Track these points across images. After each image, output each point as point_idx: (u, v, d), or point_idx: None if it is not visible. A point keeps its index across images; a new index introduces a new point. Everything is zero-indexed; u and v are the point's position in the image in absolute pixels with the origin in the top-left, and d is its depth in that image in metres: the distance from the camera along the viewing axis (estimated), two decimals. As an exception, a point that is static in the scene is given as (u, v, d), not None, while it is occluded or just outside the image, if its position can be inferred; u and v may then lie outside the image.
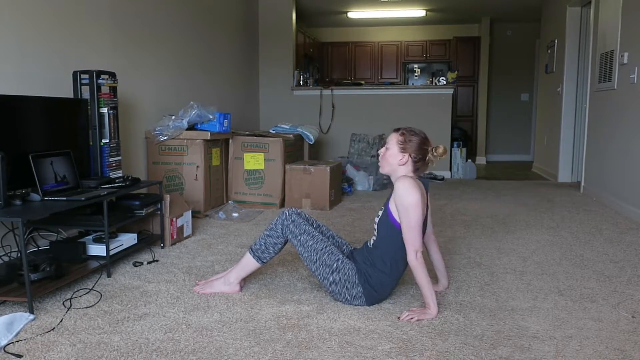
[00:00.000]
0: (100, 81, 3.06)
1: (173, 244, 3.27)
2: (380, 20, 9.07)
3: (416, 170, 2.24)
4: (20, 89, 2.89)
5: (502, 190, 5.61)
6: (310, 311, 2.19)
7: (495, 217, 4.17)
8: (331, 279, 2.23)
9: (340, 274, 2.22)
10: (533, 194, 5.30)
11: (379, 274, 2.21)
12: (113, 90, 3.16)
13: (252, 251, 2.39)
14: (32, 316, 2.12)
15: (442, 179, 6.41)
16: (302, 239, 2.28)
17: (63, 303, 2.29)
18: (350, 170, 5.65)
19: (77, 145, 2.94)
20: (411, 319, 2.10)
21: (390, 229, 2.19)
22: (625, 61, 4.34)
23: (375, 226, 2.27)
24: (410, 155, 2.21)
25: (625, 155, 4.35)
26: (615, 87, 4.57)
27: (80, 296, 2.38)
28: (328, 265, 2.23)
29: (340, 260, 2.23)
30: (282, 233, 2.34)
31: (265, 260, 2.38)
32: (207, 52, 5.35)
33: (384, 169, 2.29)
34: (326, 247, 2.26)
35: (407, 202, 2.12)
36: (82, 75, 3.08)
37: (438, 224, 3.90)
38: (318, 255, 2.25)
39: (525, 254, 3.10)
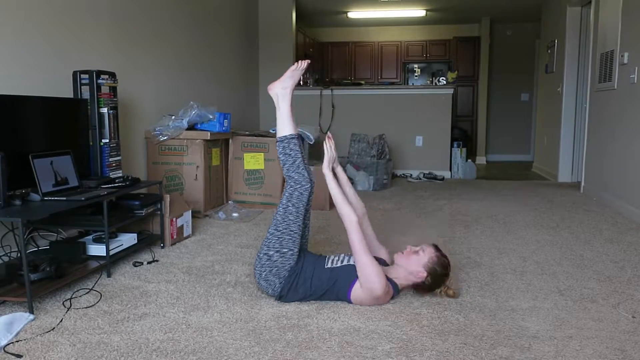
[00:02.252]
0: (100, 81, 3.06)
1: (173, 244, 3.27)
2: (380, 20, 9.07)
3: (415, 287, 2.31)
4: (20, 89, 2.89)
5: (502, 190, 5.61)
6: (310, 311, 2.19)
7: (495, 217, 4.17)
8: (271, 253, 2.27)
9: (281, 258, 2.26)
10: (533, 194, 5.30)
11: (302, 290, 2.26)
12: (113, 90, 3.17)
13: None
14: (32, 316, 2.12)
15: (442, 179, 6.41)
16: (291, 209, 2.30)
17: (63, 303, 2.29)
18: (350, 170, 5.65)
19: (77, 145, 2.94)
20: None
21: (343, 287, 2.25)
22: (625, 61, 4.34)
23: (339, 263, 2.30)
24: (427, 277, 2.25)
25: (625, 155, 4.35)
26: (615, 87, 4.57)
27: (80, 296, 2.38)
28: (281, 245, 2.27)
29: (291, 252, 2.27)
30: (298, 186, 2.33)
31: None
32: (207, 52, 5.35)
33: (399, 261, 2.30)
34: (295, 232, 2.29)
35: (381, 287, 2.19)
36: (82, 75, 3.08)
37: (438, 224, 3.90)
38: (284, 232, 2.28)
39: (525, 254, 3.10)
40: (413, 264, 2.26)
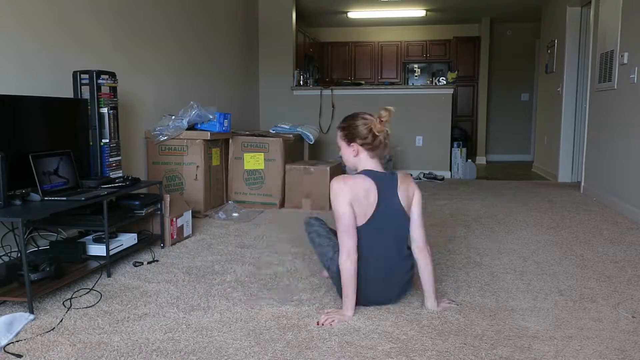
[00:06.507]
0: (100, 81, 3.06)
1: (173, 244, 3.27)
2: (380, 20, 9.07)
3: (373, 153, 2.21)
4: (20, 89, 2.89)
5: (502, 190, 5.61)
6: (310, 311, 2.19)
7: (495, 217, 4.17)
8: (330, 255, 2.28)
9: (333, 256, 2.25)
10: (533, 194, 5.30)
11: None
12: (113, 90, 3.17)
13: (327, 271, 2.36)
14: (32, 316, 2.12)
15: (442, 179, 6.41)
16: (320, 241, 2.34)
17: (63, 303, 2.29)
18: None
19: (77, 145, 2.94)
20: (331, 322, 2.06)
21: None
22: (625, 61, 4.34)
23: None
24: (357, 143, 2.20)
25: (625, 155, 4.35)
26: (615, 87, 4.57)
27: (80, 296, 2.38)
28: (328, 250, 2.29)
29: (331, 247, 2.28)
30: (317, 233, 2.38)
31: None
32: (207, 52, 5.35)
33: (349, 169, 2.32)
34: (329, 242, 2.31)
35: (332, 201, 2.15)
36: (82, 75, 3.08)
37: (438, 224, 3.90)
38: (327, 247, 2.30)
39: (525, 254, 3.10)
40: (347, 157, 2.30)
